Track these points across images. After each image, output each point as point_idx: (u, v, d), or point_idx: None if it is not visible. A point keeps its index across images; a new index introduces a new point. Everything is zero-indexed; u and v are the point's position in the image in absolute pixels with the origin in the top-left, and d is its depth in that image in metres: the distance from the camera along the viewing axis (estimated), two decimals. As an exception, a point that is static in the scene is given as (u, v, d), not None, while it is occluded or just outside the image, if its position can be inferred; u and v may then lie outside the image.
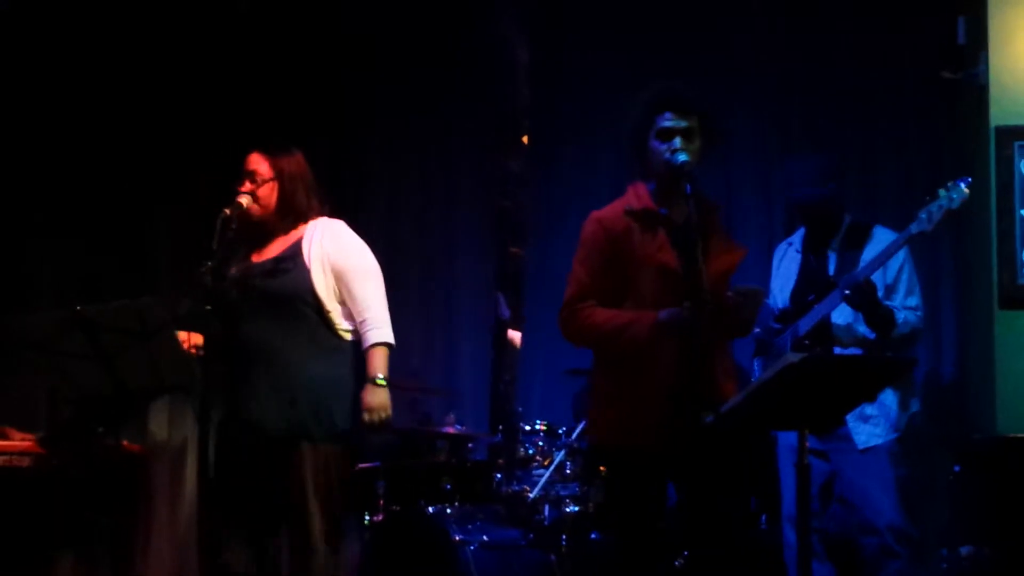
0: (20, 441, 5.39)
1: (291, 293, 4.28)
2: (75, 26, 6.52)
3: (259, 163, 4.40)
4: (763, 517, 5.49)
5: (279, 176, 4.39)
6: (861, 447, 4.85)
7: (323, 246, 4.36)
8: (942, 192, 4.65)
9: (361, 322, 4.38)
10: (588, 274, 4.09)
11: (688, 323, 3.86)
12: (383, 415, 4.32)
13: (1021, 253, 5.40)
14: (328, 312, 4.35)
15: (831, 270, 5.02)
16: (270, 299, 4.25)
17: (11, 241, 6.51)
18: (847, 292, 4.74)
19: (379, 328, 4.36)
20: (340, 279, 4.36)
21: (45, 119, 6.53)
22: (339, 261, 4.36)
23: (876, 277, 4.83)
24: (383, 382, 4.32)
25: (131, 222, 6.67)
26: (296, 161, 4.46)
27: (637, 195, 4.15)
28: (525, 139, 7.01)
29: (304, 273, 4.30)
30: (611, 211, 4.14)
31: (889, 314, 4.85)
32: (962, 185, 4.63)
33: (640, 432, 3.98)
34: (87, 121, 6.59)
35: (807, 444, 3.80)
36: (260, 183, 4.36)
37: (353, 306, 4.38)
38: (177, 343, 3.94)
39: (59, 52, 6.52)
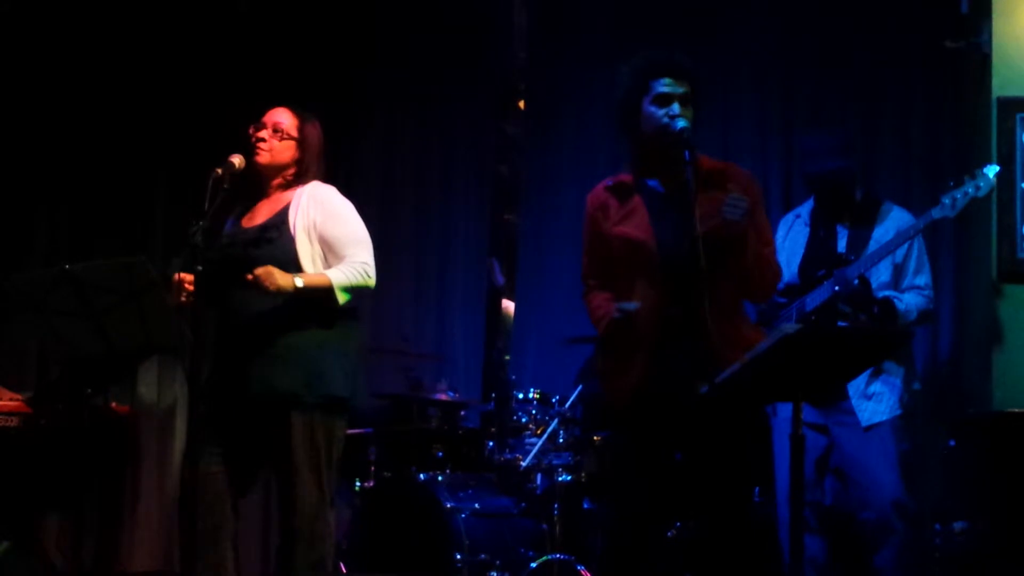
0: (9, 401, 5.36)
1: (273, 263, 4.12)
2: (75, 22, 6.52)
3: (286, 117, 4.34)
4: (756, 489, 5.46)
5: (301, 140, 4.34)
6: (865, 424, 4.81)
7: (310, 214, 4.25)
8: (967, 179, 4.57)
9: None
10: (585, 253, 4.22)
11: (623, 323, 3.90)
12: (269, 282, 4.05)
13: (1021, 226, 5.35)
14: None
15: (841, 246, 4.95)
16: (253, 268, 4.10)
17: (5, 203, 6.47)
18: (837, 289, 4.70)
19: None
20: (329, 248, 4.24)
21: (48, 91, 6.51)
22: (327, 230, 4.25)
23: None
24: (296, 283, 4.08)
25: (127, 185, 6.62)
26: (317, 130, 4.39)
27: (621, 170, 4.18)
28: (522, 104, 6.96)
29: (289, 243, 4.19)
30: (597, 188, 4.19)
31: (888, 307, 4.79)
32: (989, 173, 4.55)
33: (628, 395, 4.00)
34: (87, 96, 6.56)
35: (807, 417, 3.76)
36: (283, 137, 4.31)
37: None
38: (165, 303, 3.89)
39: (59, 37, 6.51)
